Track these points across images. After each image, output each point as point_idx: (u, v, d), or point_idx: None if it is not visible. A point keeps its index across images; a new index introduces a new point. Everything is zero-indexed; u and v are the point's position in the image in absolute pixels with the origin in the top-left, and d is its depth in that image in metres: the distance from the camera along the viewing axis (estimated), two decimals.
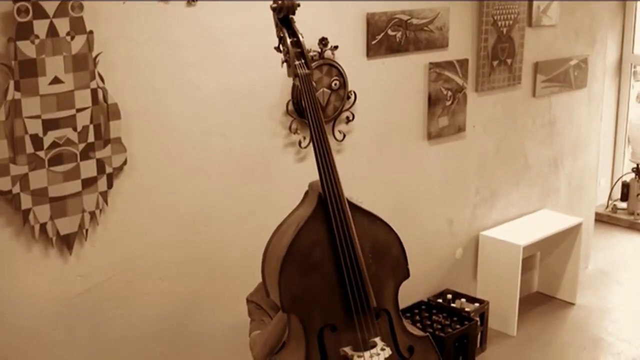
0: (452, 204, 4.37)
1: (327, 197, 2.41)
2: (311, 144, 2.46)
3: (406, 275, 2.57)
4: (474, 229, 4.54)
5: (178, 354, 3.29)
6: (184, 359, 3.32)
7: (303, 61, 2.48)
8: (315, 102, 2.46)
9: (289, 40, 2.48)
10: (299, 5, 2.51)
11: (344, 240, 2.40)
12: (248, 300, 2.85)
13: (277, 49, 2.54)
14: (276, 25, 2.52)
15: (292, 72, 2.48)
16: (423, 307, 4.19)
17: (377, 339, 2.47)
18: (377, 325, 2.49)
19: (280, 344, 2.54)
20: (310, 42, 2.54)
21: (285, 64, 2.51)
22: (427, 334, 2.70)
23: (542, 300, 4.95)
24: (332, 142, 3.49)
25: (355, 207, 2.48)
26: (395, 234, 2.55)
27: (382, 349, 2.46)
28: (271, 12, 2.53)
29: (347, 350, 2.43)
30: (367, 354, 2.44)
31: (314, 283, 2.40)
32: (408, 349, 2.56)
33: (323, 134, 2.44)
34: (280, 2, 2.48)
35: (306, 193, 2.53)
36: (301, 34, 2.50)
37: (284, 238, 2.43)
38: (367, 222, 2.50)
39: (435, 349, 2.66)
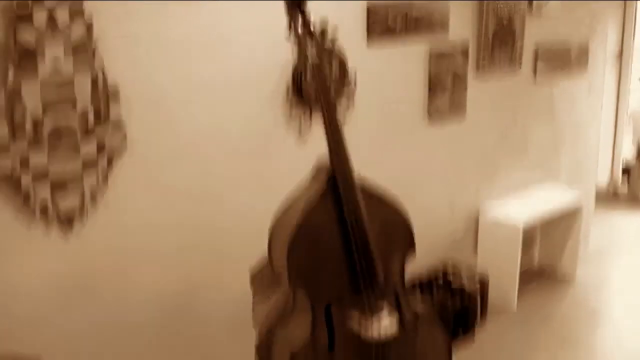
0: (453, 184, 4.37)
1: (336, 174, 2.40)
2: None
3: (413, 252, 2.58)
4: (474, 208, 4.54)
5: (179, 335, 3.30)
6: (185, 341, 3.33)
7: (314, 42, 2.46)
8: (326, 81, 2.45)
9: (300, 22, 2.46)
10: None
11: (353, 217, 2.39)
12: (251, 278, 2.83)
13: (288, 30, 2.50)
14: (287, 7, 2.50)
15: (303, 53, 2.46)
16: (423, 282, 4.18)
17: (384, 313, 2.47)
18: (383, 301, 2.49)
19: (283, 318, 2.55)
20: None
21: (295, 45, 2.49)
22: (432, 309, 2.71)
23: (542, 276, 4.96)
24: None
25: (364, 185, 2.48)
26: (403, 212, 2.56)
27: (389, 324, 2.47)
28: None
29: (354, 324, 2.45)
30: (374, 327, 2.45)
31: (322, 258, 2.41)
32: (413, 324, 2.58)
33: (333, 110, 2.43)
34: None
35: (314, 169, 2.52)
36: (312, 15, 2.48)
37: (293, 214, 2.42)
38: (375, 200, 2.50)
39: (439, 323, 2.68)
